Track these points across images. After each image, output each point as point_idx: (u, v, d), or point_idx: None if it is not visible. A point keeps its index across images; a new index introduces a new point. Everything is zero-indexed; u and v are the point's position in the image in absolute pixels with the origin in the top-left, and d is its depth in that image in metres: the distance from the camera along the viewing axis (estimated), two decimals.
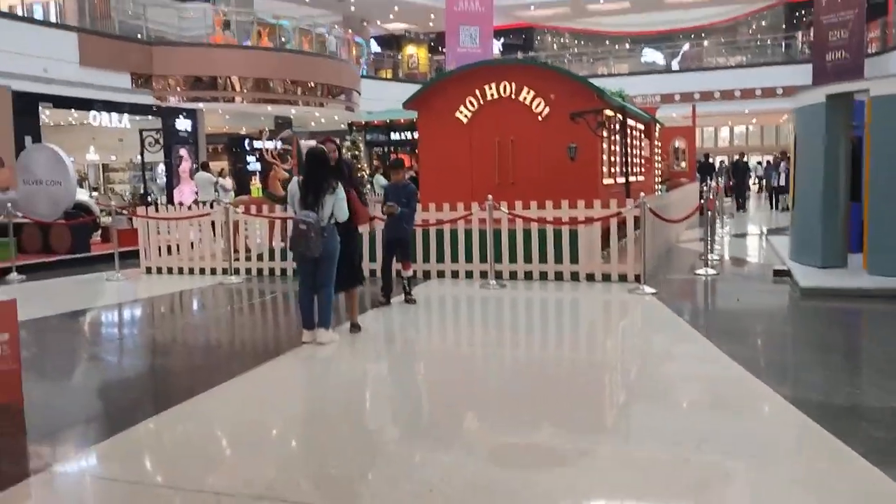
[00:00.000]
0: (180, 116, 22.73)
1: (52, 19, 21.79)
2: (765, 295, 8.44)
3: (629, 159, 10.59)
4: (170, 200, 20.90)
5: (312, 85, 24.29)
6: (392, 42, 33.19)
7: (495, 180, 10.51)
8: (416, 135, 15.80)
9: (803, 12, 31.06)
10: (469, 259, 9.70)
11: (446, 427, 4.44)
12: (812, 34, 26.54)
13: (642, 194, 8.81)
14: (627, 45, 32.76)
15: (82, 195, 14.90)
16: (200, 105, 22.46)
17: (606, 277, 9.17)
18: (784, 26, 32.01)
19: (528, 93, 10.48)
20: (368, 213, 6.80)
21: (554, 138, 10.30)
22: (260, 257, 10.87)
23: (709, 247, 10.02)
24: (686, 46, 31.36)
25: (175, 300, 9.32)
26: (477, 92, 10.71)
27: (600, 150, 10.58)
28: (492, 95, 10.69)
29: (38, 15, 22.09)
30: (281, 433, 4.45)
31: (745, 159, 22.22)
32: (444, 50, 32.11)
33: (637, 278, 8.92)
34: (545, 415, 4.56)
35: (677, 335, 6.54)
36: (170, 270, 11.31)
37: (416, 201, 8.03)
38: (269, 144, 12.82)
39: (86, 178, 23.72)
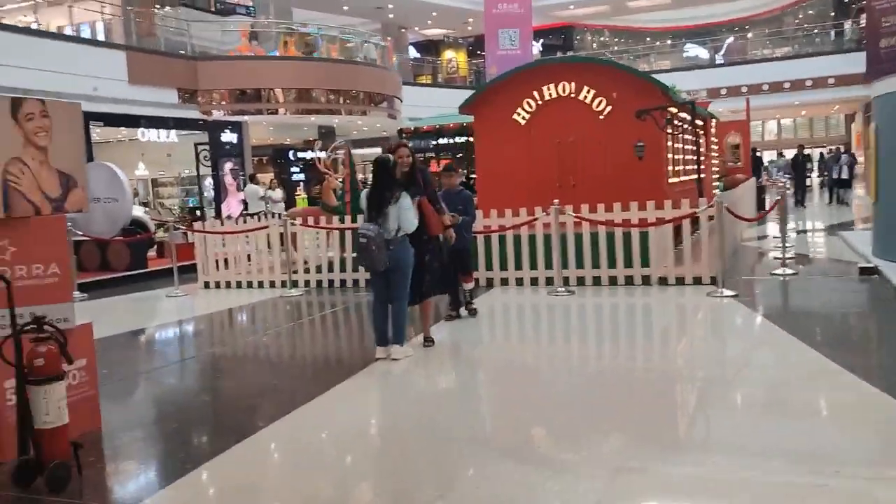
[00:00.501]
0: (226, 129, 22.82)
1: (100, 38, 22.07)
2: (854, 295, 7.94)
3: (698, 156, 10.14)
4: (218, 213, 20.96)
5: (355, 93, 24.20)
6: (430, 48, 33.01)
7: (556, 183, 10.15)
8: (463, 139, 15.53)
9: None
10: (533, 266, 9.36)
11: (537, 445, 4.13)
12: (864, 21, 25.66)
13: (716, 192, 8.39)
14: (669, 41, 32.10)
15: (138, 211, 14.92)
16: (245, 118, 22.51)
17: (680, 280, 8.76)
18: (833, 14, 31.06)
19: (589, 91, 10.11)
20: (442, 221, 6.49)
21: (616, 137, 9.92)
22: (318, 269, 10.67)
23: (783, 245, 9.53)
24: (730, 39, 30.60)
25: (239, 315, 9.17)
26: (534, 93, 10.38)
27: (665, 148, 10.17)
28: (550, 95, 10.34)
29: (86, 35, 22.38)
30: (370, 457, 4.18)
31: (805, 152, 21.39)
32: (482, 53, 31.85)
33: (713, 280, 8.50)
34: (642, 433, 4.21)
35: (773, 341, 6.13)
36: (228, 284, 11.18)
37: (474, 208, 7.60)
38: (322, 155, 12.65)
39: (136, 194, 23.91)
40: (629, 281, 8.94)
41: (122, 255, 12.89)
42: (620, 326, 7.50)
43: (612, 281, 9.00)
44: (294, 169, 28.25)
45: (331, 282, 10.58)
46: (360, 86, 24.12)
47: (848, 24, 28.95)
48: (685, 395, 5.02)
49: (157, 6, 24.07)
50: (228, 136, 22.86)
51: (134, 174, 24.20)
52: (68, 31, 21.65)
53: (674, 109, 10.42)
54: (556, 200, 8.74)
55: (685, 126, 10.88)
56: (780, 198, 9.26)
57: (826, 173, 20.77)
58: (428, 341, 6.55)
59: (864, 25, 28.21)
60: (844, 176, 17.93)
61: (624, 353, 6.35)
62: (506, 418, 4.83)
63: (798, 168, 19.52)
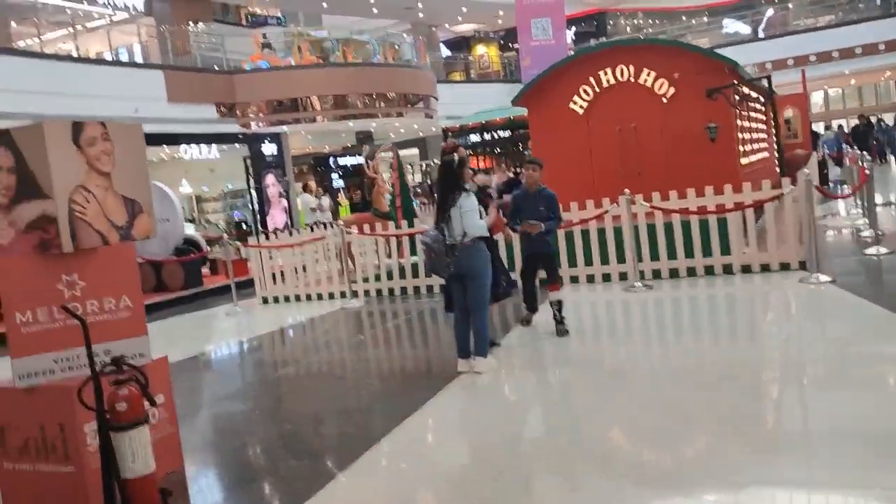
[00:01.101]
0: (265, 141, 22.70)
1: (138, 59, 22.12)
2: None
3: (778, 134, 9.54)
4: (263, 226, 20.80)
5: (391, 95, 23.89)
6: (462, 44, 32.54)
7: (619, 171, 9.64)
8: (507, 134, 15.07)
9: None
10: (605, 261, 8.86)
11: (662, 465, 3.67)
12: None
13: (806, 170, 7.79)
14: (705, 19, 31.13)
15: (188, 229, 14.75)
16: (284, 128, 22.35)
17: (765, 268, 8.19)
18: (878, 1, 29.82)
19: (649, 74, 9.58)
20: (499, 221, 6.02)
21: (681, 120, 9.37)
22: (377, 277, 10.31)
23: (873, 222, 8.88)
24: (770, 12, 29.54)
25: (304, 331, 8.85)
26: (591, 80, 9.87)
27: (736, 127, 9.59)
28: (608, 81, 9.84)
29: (124, 57, 22.44)
30: (486, 482, 3.77)
31: (868, 120, 20.15)
32: (514, 46, 31.28)
33: (802, 265, 7.93)
34: (773, 447, 3.72)
35: None
36: (286, 298, 10.89)
37: (559, 208, 6.82)
38: (370, 160, 12.32)
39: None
40: (709, 271, 8.39)
41: (177, 275, 12.71)
42: (718, 322, 6.98)
43: (691, 272, 8.46)
44: (333, 175, 28.08)
45: (390, 290, 10.22)
46: (395, 87, 23.78)
47: None
48: (812, 405, 4.50)
49: (191, 23, 24.08)
50: (268, 148, 22.74)
51: (178, 192, 24.23)
52: (107, 56, 21.73)
53: (744, 88, 9.82)
54: (626, 190, 8.22)
55: (755, 104, 10.26)
56: (867, 172, 8.61)
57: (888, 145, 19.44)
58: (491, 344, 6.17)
59: None
60: None
61: (733, 352, 5.82)
62: (613, 431, 4.37)
63: (860, 139, 18.44)
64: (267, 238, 11.50)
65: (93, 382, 3.73)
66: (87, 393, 3.73)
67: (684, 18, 32.22)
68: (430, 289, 9.94)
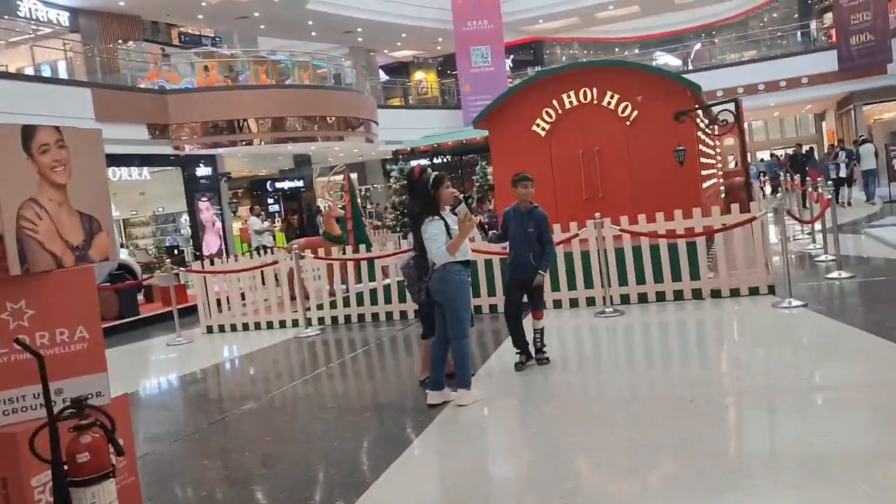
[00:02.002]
0: (200, 164, 21.85)
1: (62, 76, 21.02)
2: None
3: (743, 157, 9.53)
4: (198, 249, 19.92)
5: (330, 119, 23.42)
6: (400, 70, 32.36)
7: (582, 194, 9.45)
8: (461, 158, 14.82)
9: None
10: (572, 286, 8.60)
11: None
12: (832, 19, 25.70)
13: (778, 195, 7.73)
14: (637, 50, 31.90)
15: (124, 255, 13.85)
16: (220, 150, 21.56)
17: (735, 292, 8.06)
18: (796, 15, 31.19)
19: (612, 96, 9.46)
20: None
21: (645, 143, 9.27)
22: (333, 304, 9.77)
23: (829, 246, 8.90)
24: (697, 45, 30.48)
25: (259, 362, 8.20)
26: (554, 101, 9.69)
27: (697, 152, 9.54)
28: (570, 103, 9.67)
29: (48, 74, 21.28)
30: None
31: (806, 149, 20.65)
32: (452, 73, 31.30)
33: (771, 290, 7.85)
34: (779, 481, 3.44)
35: (890, 357, 5.39)
36: (233, 327, 10.21)
37: (550, 230, 6.29)
38: (322, 180, 11.79)
39: None
40: (678, 296, 8.22)
41: (112, 304, 11.82)
42: (698, 348, 6.75)
43: (660, 296, 8.28)
44: (269, 200, 27.31)
45: (347, 317, 9.70)
46: (334, 111, 23.34)
47: (813, 25, 29.03)
48: (829, 434, 4.25)
49: (120, 41, 23.12)
50: (203, 171, 21.87)
51: None
52: (29, 72, 20.54)
53: (706, 111, 9.79)
54: (597, 214, 8.00)
55: (712, 128, 10.27)
56: (828, 197, 8.64)
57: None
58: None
59: (828, 25, 28.35)
60: (842, 174, 17.34)
61: (720, 380, 5.57)
62: (616, 468, 4.00)
63: (799, 167, 18.97)
64: (211, 263, 10.81)
65: (49, 428, 3.15)
66: (42, 442, 3.14)
67: (617, 49, 32.94)
68: (389, 315, 9.47)
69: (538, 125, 9.76)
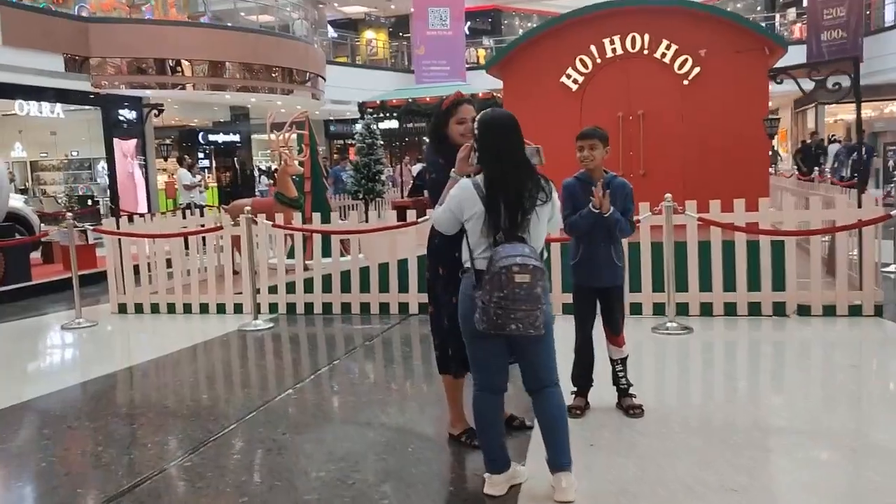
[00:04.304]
0: (124, 106, 18.53)
1: None
2: None
3: (859, 134, 7.46)
4: (113, 202, 16.79)
5: (276, 69, 20.49)
6: (350, 26, 29.29)
7: (618, 170, 7.20)
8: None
9: None
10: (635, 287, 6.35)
11: None
12: (806, 13, 24.34)
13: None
14: None
15: (16, 202, 10.78)
16: (147, 92, 18.33)
17: (829, 310, 5.97)
18: (759, 8, 29.78)
19: (669, 47, 7.21)
20: None
21: (706, 109, 7.08)
22: (291, 288, 7.24)
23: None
24: None
25: (182, 374, 5.52)
26: (592, 48, 7.36)
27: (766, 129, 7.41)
28: (613, 51, 7.38)
29: None
30: None
31: (820, 140, 18.71)
32: (404, 35, 28.53)
33: (878, 310, 5.86)
34: None
35: None
36: (154, 308, 7.53)
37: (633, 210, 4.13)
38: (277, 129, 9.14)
39: (13, 180, 19.15)
40: (754, 310, 6.11)
41: None
42: (840, 390, 4.62)
43: (729, 309, 6.13)
44: (200, 154, 24.10)
45: (309, 306, 7.19)
46: (281, 61, 20.40)
47: (777, 19, 27.69)
48: None
49: None
50: (126, 114, 18.57)
51: (10, 155, 19.51)
52: None
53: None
54: (667, 195, 5.74)
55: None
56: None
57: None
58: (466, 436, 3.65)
59: (790, 21, 27.07)
60: (845, 173, 15.36)
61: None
62: None
63: (813, 160, 16.90)
64: (130, 221, 8.05)
65: None
66: None
67: None
68: (365, 307, 7.04)
69: (569, 76, 7.44)
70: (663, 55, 7.28)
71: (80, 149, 19.61)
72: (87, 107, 17.66)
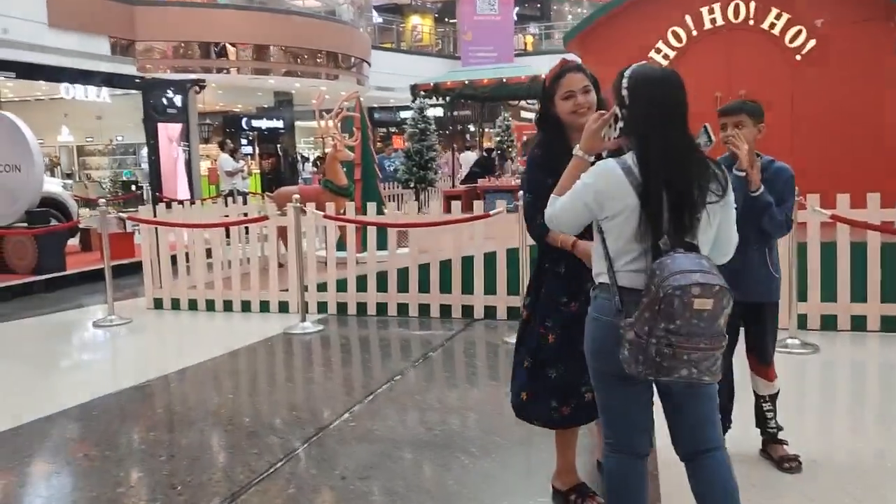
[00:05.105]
0: (168, 91, 17.93)
1: None
2: None
3: None
4: (156, 189, 16.18)
5: (321, 54, 19.80)
6: (395, 11, 28.44)
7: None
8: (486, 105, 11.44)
9: None
10: None
11: None
12: None
13: None
14: None
15: (53, 185, 10.17)
16: (191, 76, 17.76)
17: None
18: None
19: (779, 16, 6.18)
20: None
21: (823, 90, 6.04)
22: (341, 286, 6.41)
23: None
24: None
25: (230, 388, 4.68)
26: (687, 18, 6.38)
27: None
28: (712, 22, 6.37)
29: None
30: None
31: None
32: (450, 21, 27.56)
33: None
34: None
35: None
36: (192, 305, 6.79)
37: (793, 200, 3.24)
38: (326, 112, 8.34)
39: (58, 164, 18.78)
40: (889, 325, 5.08)
41: (27, 252, 8.20)
42: None
43: (858, 324, 5.13)
44: (243, 140, 23.53)
45: (362, 306, 6.37)
46: (326, 45, 19.72)
47: None
48: None
49: None
50: (171, 99, 17.99)
51: (56, 140, 19.15)
52: None
53: None
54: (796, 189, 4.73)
55: None
56: None
57: None
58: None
59: None
60: None
61: None
62: None
63: None
64: (168, 207, 7.31)
65: None
66: None
67: None
68: (424, 309, 6.18)
69: (659, 51, 6.46)
70: (772, 26, 6.24)
71: (125, 133, 19.18)
72: (132, 91, 17.17)
